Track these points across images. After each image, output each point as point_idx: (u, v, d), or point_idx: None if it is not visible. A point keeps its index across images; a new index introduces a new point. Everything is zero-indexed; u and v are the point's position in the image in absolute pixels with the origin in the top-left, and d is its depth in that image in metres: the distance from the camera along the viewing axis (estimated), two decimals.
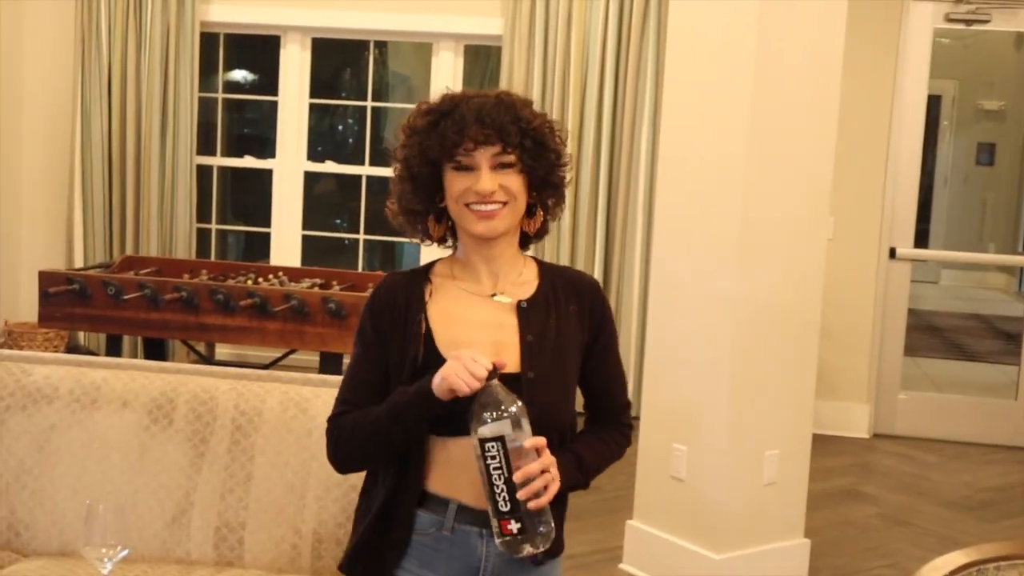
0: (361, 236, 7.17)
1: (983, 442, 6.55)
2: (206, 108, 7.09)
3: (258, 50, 7.62)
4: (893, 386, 6.68)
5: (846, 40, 4.18)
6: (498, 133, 2.06)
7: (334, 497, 2.89)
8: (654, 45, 6.25)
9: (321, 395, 3.00)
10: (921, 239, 9.41)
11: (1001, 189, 11.52)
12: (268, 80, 7.25)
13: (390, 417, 2.06)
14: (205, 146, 7.09)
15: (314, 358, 5.19)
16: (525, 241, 2.24)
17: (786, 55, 3.99)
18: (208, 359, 6.10)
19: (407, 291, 2.17)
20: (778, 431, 4.17)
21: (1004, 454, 6.42)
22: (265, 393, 3.01)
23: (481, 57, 7.08)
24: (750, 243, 3.99)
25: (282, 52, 6.94)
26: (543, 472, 1.96)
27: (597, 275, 6.32)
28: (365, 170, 7.11)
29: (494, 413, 1.94)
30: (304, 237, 7.08)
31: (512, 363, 2.08)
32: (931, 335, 9.55)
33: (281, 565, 2.89)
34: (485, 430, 1.94)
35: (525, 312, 2.15)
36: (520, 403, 1.96)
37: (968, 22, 6.49)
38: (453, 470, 2.08)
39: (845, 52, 4.19)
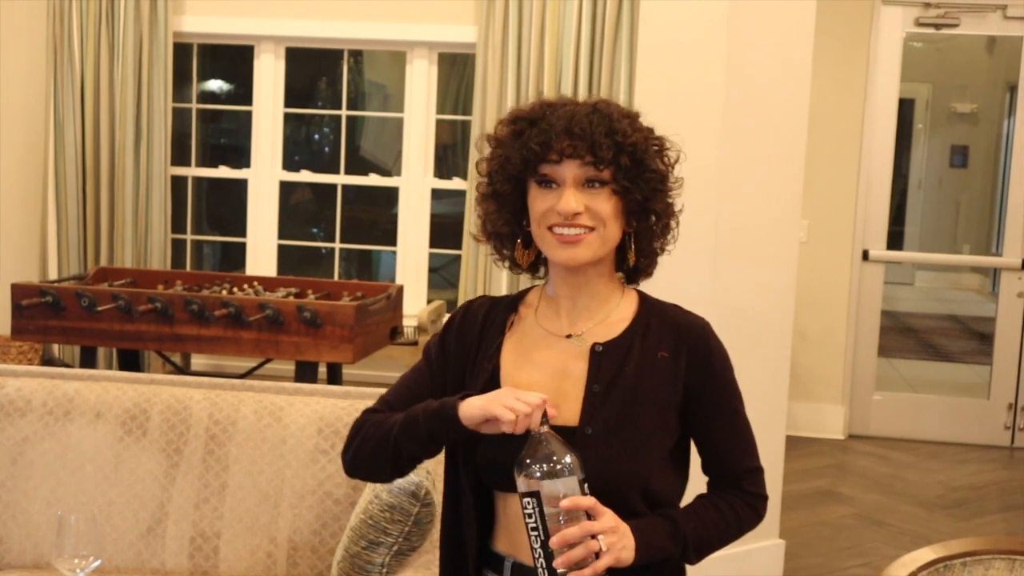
0: (337, 245, 7.18)
1: (957, 441, 6.61)
2: (180, 118, 7.08)
3: (232, 60, 7.62)
4: (868, 387, 6.73)
5: (817, 45, 4.22)
6: (588, 145, 1.81)
7: (309, 505, 2.90)
8: (627, 51, 6.28)
9: (295, 404, 3.01)
10: (896, 241, 9.47)
11: (975, 191, 11.59)
12: (243, 90, 7.25)
13: (404, 423, 1.88)
14: (180, 157, 7.08)
15: (290, 367, 5.19)
16: (632, 276, 2.00)
17: (756, 60, 4.02)
18: (183, 370, 6.09)
19: (487, 319, 1.98)
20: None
21: (978, 453, 6.47)
22: (239, 402, 3.02)
23: (458, 65, 7.10)
24: (723, 246, 4.02)
25: (256, 62, 6.94)
26: (592, 538, 1.71)
27: None
28: (341, 179, 7.11)
29: (542, 466, 1.70)
30: (280, 247, 7.08)
31: (572, 415, 1.86)
32: (905, 336, 9.61)
33: (256, 574, 2.90)
34: (522, 483, 1.72)
35: (598, 357, 1.89)
36: (571, 457, 1.72)
37: (937, 26, 6.55)
38: (511, 526, 1.89)
39: (816, 57, 4.23)
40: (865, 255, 6.63)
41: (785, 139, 4.15)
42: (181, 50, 6.90)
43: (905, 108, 9.23)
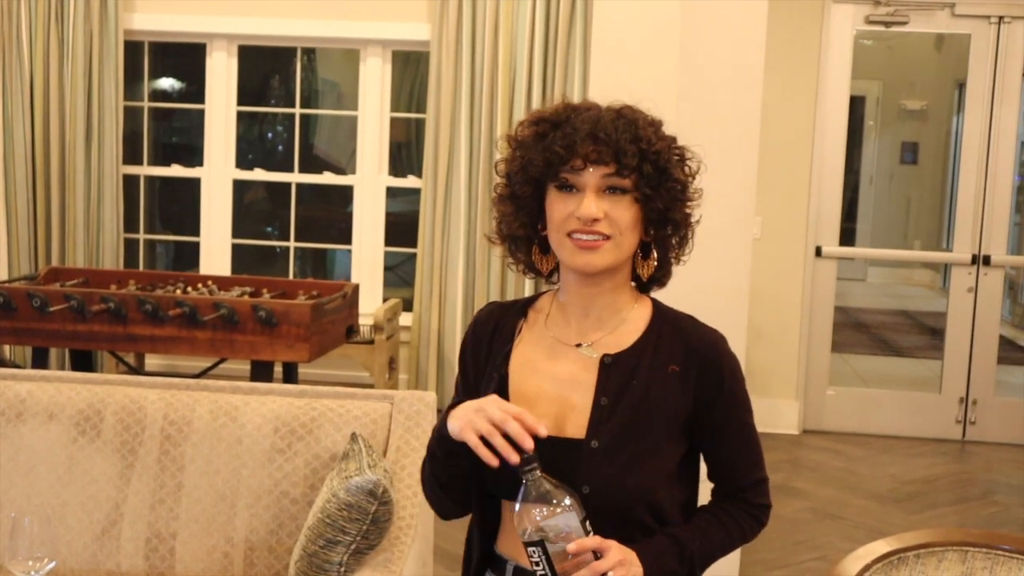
0: (292, 244, 7.15)
1: (909, 435, 6.68)
2: (132, 117, 7.02)
3: (184, 58, 7.56)
4: (821, 382, 6.79)
5: (769, 43, 4.24)
6: (613, 152, 1.78)
7: (265, 504, 2.88)
8: (581, 49, 6.30)
9: (250, 403, 3.00)
10: (849, 237, 9.56)
11: (925, 187, 11.72)
12: (195, 88, 7.20)
13: (428, 452, 1.89)
14: (132, 155, 7.02)
15: (245, 366, 5.17)
16: (645, 285, 1.96)
17: (709, 58, 4.04)
18: (137, 370, 6.05)
19: (498, 326, 1.95)
20: None
21: (930, 447, 6.54)
22: (194, 402, 3.00)
23: (411, 63, 7.09)
24: None
25: (208, 60, 6.89)
26: None
27: (527, 286, 6.25)
28: (295, 177, 7.08)
29: (542, 511, 1.69)
30: (234, 246, 7.04)
31: (579, 428, 1.83)
32: (858, 331, 9.71)
33: (213, 574, 2.88)
34: (523, 532, 1.70)
35: (607, 369, 1.86)
36: (570, 498, 1.70)
37: (887, 24, 6.61)
38: (515, 531, 1.82)
39: (768, 54, 4.25)
40: (818, 251, 6.68)
41: (738, 136, 4.17)
42: (132, 48, 6.84)
43: (856, 105, 9.33)
